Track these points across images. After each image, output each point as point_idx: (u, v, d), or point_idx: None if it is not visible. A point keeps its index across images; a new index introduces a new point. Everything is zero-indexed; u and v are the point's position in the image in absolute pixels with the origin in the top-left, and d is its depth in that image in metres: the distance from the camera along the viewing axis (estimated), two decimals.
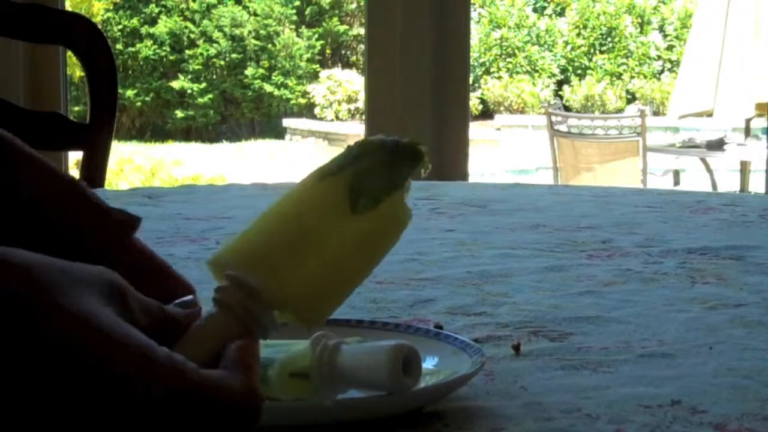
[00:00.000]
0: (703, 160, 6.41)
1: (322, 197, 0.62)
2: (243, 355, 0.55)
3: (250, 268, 0.60)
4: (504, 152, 10.92)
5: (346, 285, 0.62)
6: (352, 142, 0.66)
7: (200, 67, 12.53)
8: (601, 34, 13.15)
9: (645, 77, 12.98)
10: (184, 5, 12.77)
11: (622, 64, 13.05)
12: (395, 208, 0.62)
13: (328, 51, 13.52)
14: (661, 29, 13.36)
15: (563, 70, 13.17)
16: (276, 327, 0.59)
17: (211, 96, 12.46)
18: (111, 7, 12.69)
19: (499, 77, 12.93)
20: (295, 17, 13.05)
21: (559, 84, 13.11)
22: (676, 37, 13.03)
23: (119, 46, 12.39)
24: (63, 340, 0.47)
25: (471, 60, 5.14)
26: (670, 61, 12.94)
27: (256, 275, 0.59)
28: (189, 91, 12.45)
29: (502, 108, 12.66)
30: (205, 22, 12.63)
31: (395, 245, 0.63)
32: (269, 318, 0.59)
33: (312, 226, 0.61)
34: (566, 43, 13.21)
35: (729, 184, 7.18)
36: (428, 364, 0.71)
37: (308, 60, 13.21)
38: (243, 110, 12.69)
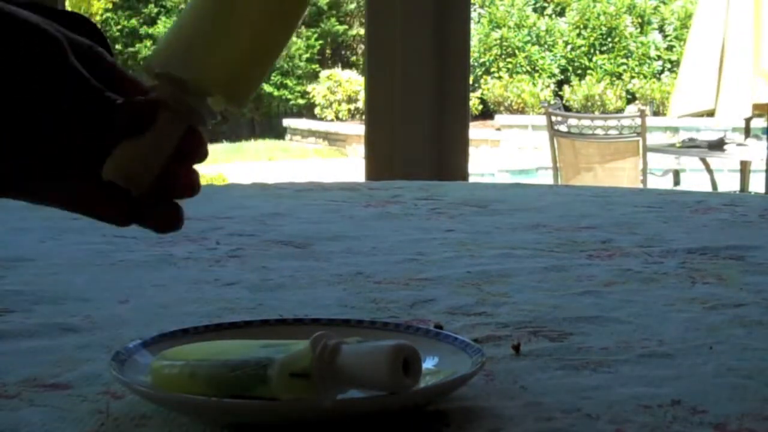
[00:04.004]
0: (703, 160, 6.40)
1: None
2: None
3: (174, 61, 0.65)
4: (504, 152, 10.92)
5: (266, 59, 0.67)
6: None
7: None
8: (601, 34, 13.15)
9: (645, 77, 12.98)
10: (183, 5, 12.76)
11: (622, 64, 13.05)
12: None
13: (328, 51, 13.53)
14: (661, 29, 13.36)
15: (563, 70, 13.17)
16: (214, 115, 0.66)
17: None
18: (110, 7, 12.69)
19: (499, 77, 12.94)
20: None
21: (559, 84, 13.11)
22: (676, 37, 13.03)
23: (119, 46, 12.39)
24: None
25: (471, 60, 5.13)
26: (670, 61, 12.95)
27: (180, 67, 0.64)
28: None
29: (502, 108, 12.66)
30: None
31: (303, 21, 0.68)
32: (204, 105, 0.65)
33: (223, 10, 0.65)
34: (566, 43, 13.21)
35: (729, 184, 7.18)
36: (428, 364, 0.71)
37: (307, 60, 13.20)
38: (243, 110, 12.68)
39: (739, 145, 6.19)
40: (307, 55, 13.15)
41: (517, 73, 12.99)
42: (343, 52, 13.75)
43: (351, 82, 12.76)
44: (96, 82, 0.66)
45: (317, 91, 12.93)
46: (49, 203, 0.68)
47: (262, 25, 0.66)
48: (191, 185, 0.68)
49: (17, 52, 0.64)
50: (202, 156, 0.67)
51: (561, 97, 12.72)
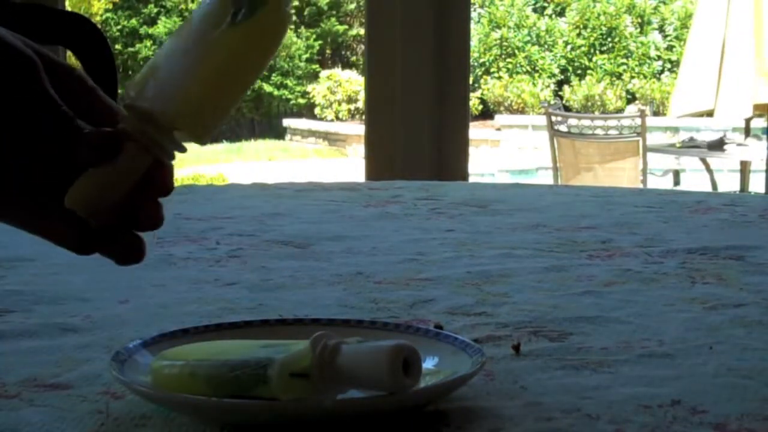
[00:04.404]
0: (703, 160, 6.40)
1: (206, 16, 0.66)
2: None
3: (143, 94, 0.65)
4: (504, 152, 10.92)
5: (232, 95, 0.67)
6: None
7: None
8: (601, 34, 13.15)
9: (645, 77, 12.98)
10: (183, 5, 12.77)
11: (622, 64, 13.05)
12: (274, 14, 0.65)
13: (328, 51, 13.52)
14: (661, 29, 13.36)
15: (563, 70, 13.17)
16: (182, 148, 0.66)
17: None
18: (110, 7, 12.69)
19: (499, 77, 12.93)
20: (294, 17, 13.06)
21: (559, 84, 13.11)
22: (676, 37, 13.03)
23: (119, 47, 12.39)
24: None
25: (471, 60, 5.13)
26: (670, 61, 12.94)
27: (147, 100, 0.65)
28: None
29: (502, 108, 12.66)
30: None
31: (274, 57, 0.69)
32: (170, 139, 0.65)
33: (194, 44, 0.65)
34: (566, 43, 13.20)
35: (729, 184, 7.18)
36: (428, 364, 0.71)
37: (307, 60, 13.20)
38: (243, 110, 12.69)
39: (739, 145, 6.19)
40: (307, 55, 13.14)
41: (517, 73, 12.99)
42: (343, 52, 13.75)
43: (351, 82, 12.75)
44: (66, 109, 0.65)
45: (317, 91, 12.92)
46: (7, 222, 0.68)
47: (229, 63, 0.65)
48: (154, 218, 0.68)
49: None
50: (167, 190, 0.67)
51: (561, 97, 12.72)
